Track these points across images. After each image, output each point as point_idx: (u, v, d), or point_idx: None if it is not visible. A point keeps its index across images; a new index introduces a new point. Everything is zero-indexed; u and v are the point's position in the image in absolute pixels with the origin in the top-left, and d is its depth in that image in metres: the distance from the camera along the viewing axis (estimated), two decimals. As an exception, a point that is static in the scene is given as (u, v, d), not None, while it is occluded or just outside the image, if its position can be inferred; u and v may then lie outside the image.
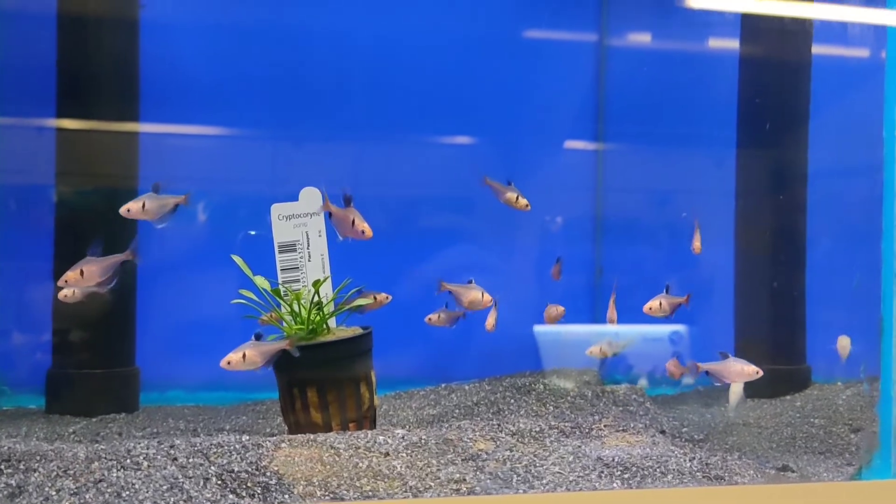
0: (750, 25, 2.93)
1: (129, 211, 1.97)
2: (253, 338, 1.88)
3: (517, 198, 2.26)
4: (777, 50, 2.92)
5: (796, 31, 2.91)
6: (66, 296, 2.00)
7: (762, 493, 1.57)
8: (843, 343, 2.51)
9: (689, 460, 1.81)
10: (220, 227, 2.83)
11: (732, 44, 3.06)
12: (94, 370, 2.47)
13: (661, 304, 2.26)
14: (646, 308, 2.27)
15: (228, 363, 1.83)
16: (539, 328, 2.79)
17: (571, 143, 3.33)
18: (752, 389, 2.76)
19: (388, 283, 2.50)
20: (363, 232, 2.04)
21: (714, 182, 3.18)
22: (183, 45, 2.85)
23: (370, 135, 3.03)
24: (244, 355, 1.83)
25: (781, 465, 1.97)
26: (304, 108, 2.98)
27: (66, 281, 1.92)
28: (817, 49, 2.96)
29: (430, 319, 2.38)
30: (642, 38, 3.40)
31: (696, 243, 2.42)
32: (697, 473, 1.76)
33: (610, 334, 2.70)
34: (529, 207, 2.27)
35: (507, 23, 3.17)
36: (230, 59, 2.91)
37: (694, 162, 3.25)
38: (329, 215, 2.10)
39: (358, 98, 3.03)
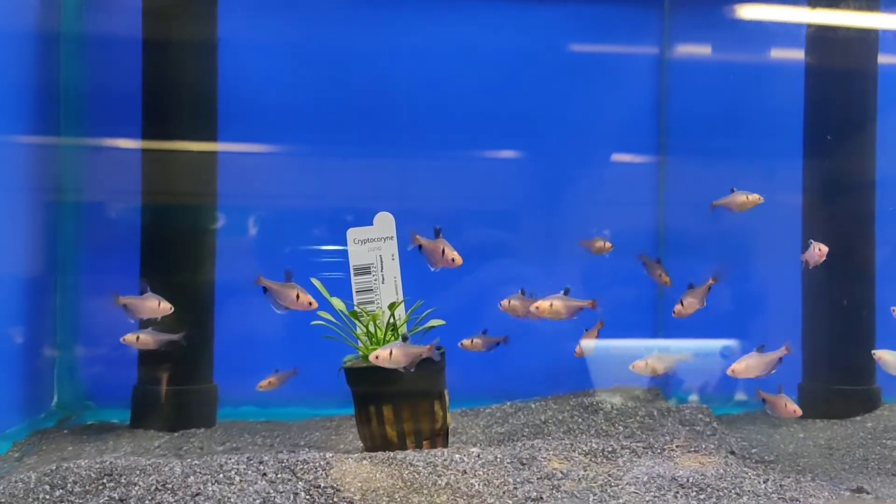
0: (814, 36, 2.92)
1: (125, 341, 2.24)
2: (401, 339, 2.01)
3: (661, 274, 2.27)
4: (843, 59, 2.90)
5: (861, 40, 2.90)
6: (125, 341, 2.24)
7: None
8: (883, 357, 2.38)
9: (763, 482, 1.82)
10: (296, 247, 2.94)
11: (797, 54, 3.04)
12: (176, 386, 2.57)
13: (551, 304, 2.18)
14: (533, 307, 2.20)
15: (377, 357, 1.96)
16: (588, 343, 2.74)
17: (633, 157, 3.34)
18: (821, 411, 2.74)
19: (448, 301, 2.57)
20: (453, 260, 2.11)
21: (781, 193, 3.15)
22: (255, 65, 2.98)
23: (432, 153, 3.11)
24: (391, 353, 1.95)
25: (856, 487, 1.96)
26: (366, 125, 3.06)
27: (125, 340, 2.21)
28: (883, 59, 2.94)
29: (463, 345, 2.42)
30: (704, 51, 3.40)
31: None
32: (773, 495, 1.77)
33: (660, 349, 2.69)
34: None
35: (569, 38, 3.21)
36: (295, 79, 3.02)
37: (758, 174, 3.22)
38: (420, 248, 2.17)
39: (419, 116, 3.10)
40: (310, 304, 2.05)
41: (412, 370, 1.97)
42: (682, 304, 2.28)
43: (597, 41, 3.23)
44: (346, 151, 3.06)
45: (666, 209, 3.28)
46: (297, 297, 2.05)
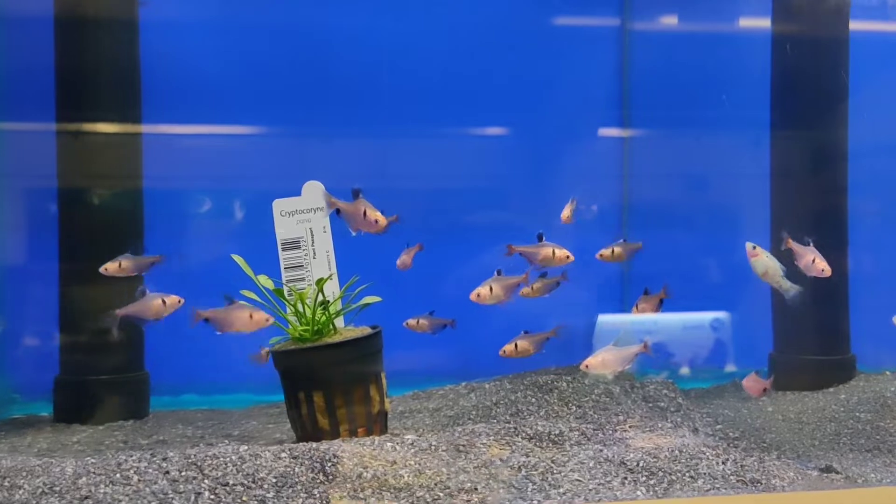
0: (782, 3, 2.78)
1: (106, 270, 2.10)
2: (522, 332, 1.98)
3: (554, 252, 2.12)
4: (812, 27, 2.76)
5: (832, 8, 2.75)
6: (106, 269, 2.12)
7: (802, 502, 1.43)
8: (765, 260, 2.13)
9: (723, 462, 1.67)
10: (227, 226, 2.76)
11: (763, 22, 2.91)
12: (102, 376, 2.40)
13: (491, 289, 2.08)
14: (473, 296, 2.09)
15: (504, 352, 1.98)
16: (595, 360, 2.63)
17: (597, 130, 3.22)
18: (793, 382, 2.61)
19: (415, 277, 2.42)
20: (376, 222, 1.94)
21: (747, 165, 3.04)
22: (185, 43, 2.79)
23: (394, 129, 2.95)
24: (516, 345, 1.93)
25: (825, 466, 1.82)
26: (329, 103, 2.90)
27: (105, 269, 2.08)
28: (855, 25, 2.81)
29: (408, 324, 2.29)
30: (668, 21, 3.28)
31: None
32: (731, 477, 1.62)
33: (644, 323, 2.56)
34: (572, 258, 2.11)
35: (529, 10, 3.08)
36: (234, 55, 2.84)
37: (725, 145, 3.12)
38: (337, 212, 2.00)
39: (380, 92, 2.95)
40: (376, 221, 1.90)
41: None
42: (637, 309, 2.14)
43: (557, 13, 3.11)
44: (298, 130, 2.90)
45: (631, 182, 3.16)
46: (365, 213, 1.90)
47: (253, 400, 2.70)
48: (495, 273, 2.09)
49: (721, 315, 2.75)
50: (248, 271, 1.98)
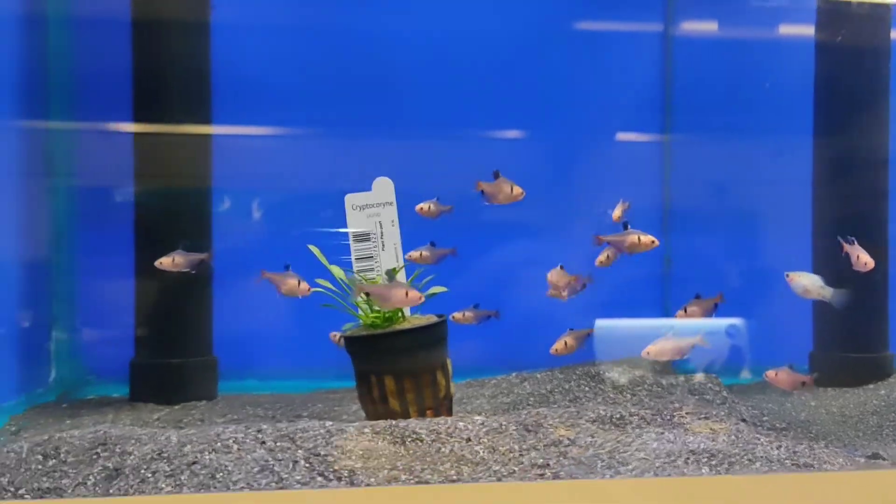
0: (825, 10, 2.86)
1: (161, 264, 2.27)
2: (568, 330, 2.07)
3: (639, 238, 2.23)
4: (854, 35, 2.84)
5: (874, 15, 2.83)
6: (161, 264, 2.29)
7: (857, 480, 1.52)
8: (803, 281, 2.21)
9: (776, 448, 1.77)
10: (293, 224, 2.88)
11: (806, 30, 2.99)
12: (175, 359, 2.54)
13: (420, 254, 2.24)
14: (408, 256, 2.22)
15: (556, 351, 2.05)
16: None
17: (638, 136, 3.29)
18: (833, 379, 2.69)
19: (450, 274, 2.53)
20: (513, 191, 2.13)
21: (789, 170, 3.11)
22: (251, 45, 2.91)
23: (432, 132, 3.05)
24: (566, 343, 2.01)
25: (871, 453, 1.91)
26: (367, 105, 3.00)
27: (160, 263, 2.23)
28: None
29: (454, 317, 2.39)
30: (710, 27, 3.34)
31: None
32: (786, 461, 1.72)
33: (660, 329, 2.65)
34: (657, 243, 2.22)
35: (573, 15, 3.15)
36: (293, 59, 2.96)
37: (767, 150, 3.18)
38: (482, 193, 2.17)
39: (419, 95, 3.05)
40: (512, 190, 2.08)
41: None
42: (685, 312, 2.24)
43: (600, 18, 3.18)
44: (346, 132, 3.01)
45: (671, 188, 3.23)
46: (512, 189, 2.08)
47: (311, 386, 2.82)
48: (558, 266, 2.20)
49: (737, 321, 2.82)
50: (323, 260, 2.11)
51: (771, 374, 2.25)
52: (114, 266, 2.74)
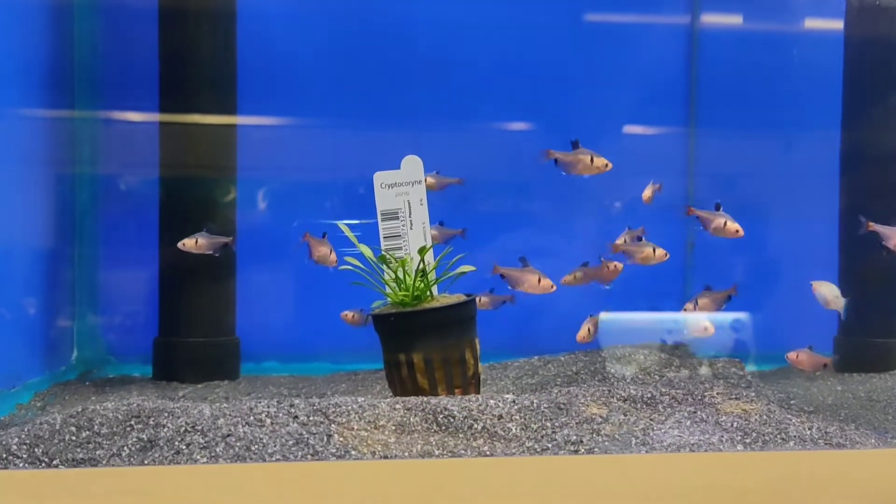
0: (855, 3, 2.84)
1: (184, 245, 2.31)
2: (589, 316, 2.09)
3: (725, 223, 2.25)
4: (885, 28, 2.82)
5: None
6: (184, 245, 2.34)
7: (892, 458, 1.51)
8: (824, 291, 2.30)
9: (808, 428, 1.76)
10: (314, 210, 2.88)
11: (831, 23, 2.97)
12: (199, 339, 2.54)
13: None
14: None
15: (581, 338, 2.13)
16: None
17: (662, 129, 3.27)
18: (858, 364, 2.68)
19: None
20: (737, 231, 2.20)
21: (815, 163, 3.10)
22: (277, 33, 2.91)
23: (455, 124, 3.04)
24: (589, 330, 2.07)
25: (904, 436, 1.90)
26: (391, 94, 2.99)
27: (184, 245, 2.27)
28: None
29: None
30: (737, 20, 3.32)
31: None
32: (819, 441, 1.71)
33: (664, 322, 2.65)
34: (742, 233, 2.24)
35: (597, 7, 3.15)
36: (318, 48, 2.95)
37: (792, 143, 3.17)
38: (556, 161, 2.19)
39: (445, 84, 3.04)
40: (551, 286, 2.16)
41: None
42: (696, 304, 2.24)
43: (626, 10, 3.17)
44: (366, 123, 3.00)
45: (696, 180, 3.22)
46: (539, 280, 2.15)
47: (331, 368, 2.82)
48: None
49: (742, 316, 2.81)
50: (352, 238, 2.10)
51: (792, 355, 2.27)
52: (137, 252, 2.76)
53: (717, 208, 2.18)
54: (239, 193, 2.73)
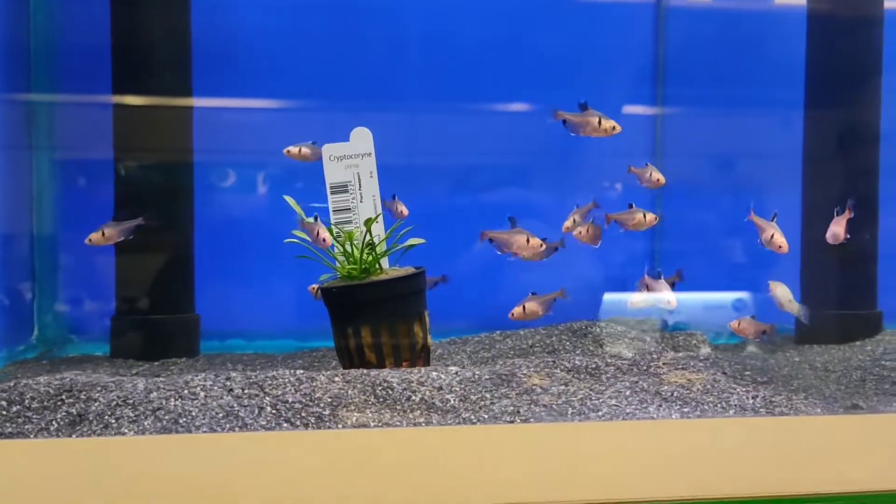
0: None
1: (90, 241, 2.24)
2: (530, 294, 2.11)
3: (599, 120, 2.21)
4: (847, 5, 2.79)
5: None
6: (91, 240, 2.26)
7: (830, 425, 1.50)
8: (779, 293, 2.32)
9: (752, 398, 1.75)
10: (276, 193, 2.86)
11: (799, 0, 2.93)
12: (156, 315, 2.53)
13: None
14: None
15: (513, 315, 2.12)
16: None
17: (631, 108, 3.24)
18: (820, 336, 2.67)
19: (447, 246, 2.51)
20: (613, 128, 2.16)
21: (779, 144, 3.07)
22: (234, 16, 2.87)
23: (424, 105, 3.01)
24: (524, 307, 2.03)
25: (851, 405, 1.90)
26: (358, 76, 2.96)
27: (90, 241, 2.23)
28: (890, 4, 2.84)
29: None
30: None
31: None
32: (761, 410, 1.70)
33: (662, 302, 2.64)
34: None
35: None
36: (282, 29, 2.91)
37: (757, 124, 3.14)
38: (563, 122, 2.17)
39: (412, 65, 3.00)
40: (540, 245, 2.12)
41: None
42: (644, 287, 2.24)
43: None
44: (333, 104, 2.96)
45: (664, 161, 3.19)
46: (527, 240, 2.12)
47: (296, 346, 2.81)
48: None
49: (743, 295, 2.80)
50: (299, 211, 2.08)
51: (734, 324, 2.30)
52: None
53: (630, 206, 2.20)
54: (196, 175, 2.71)
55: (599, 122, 2.07)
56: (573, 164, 3.13)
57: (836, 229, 2.27)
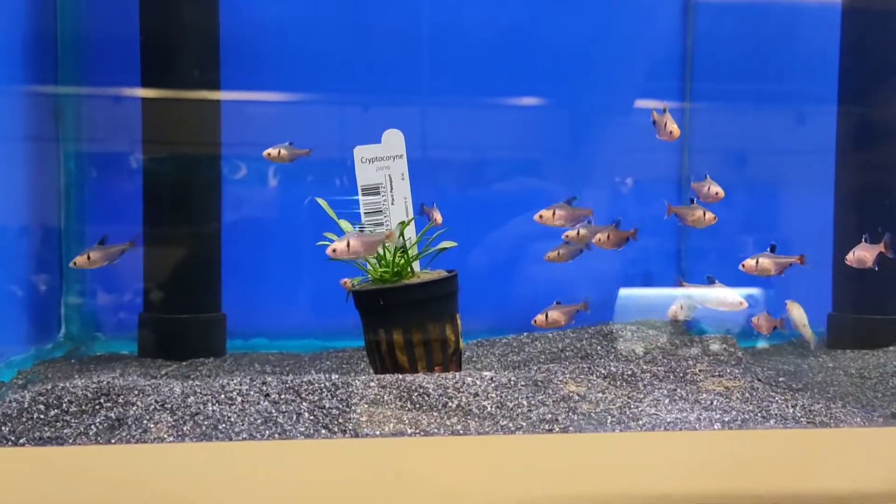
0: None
1: (75, 264, 2.23)
2: (555, 303, 2.09)
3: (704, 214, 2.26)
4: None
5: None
6: (76, 263, 2.25)
7: (875, 437, 1.48)
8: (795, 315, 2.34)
9: (792, 406, 1.73)
10: (301, 188, 2.85)
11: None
12: (183, 315, 2.52)
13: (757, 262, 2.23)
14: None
15: (535, 322, 2.10)
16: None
17: (658, 103, 3.21)
18: (852, 341, 2.64)
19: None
20: (671, 133, 2.19)
21: (812, 138, 3.04)
22: (259, 11, 2.86)
23: (441, 99, 2.99)
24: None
25: (891, 413, 1.87)
26: (375, 71, 2.94)
27: (75, 264, 2.22)
28: None
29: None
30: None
31: None
32: (801, 419, 1.68)
33: (682, 297, 2.62)
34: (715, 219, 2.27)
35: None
36: (303, 24, 2.89)
37: (789, 119, 3.10)
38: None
39: (429, 60, 2.98)
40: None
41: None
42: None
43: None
44: (362, 99, 2.94)
45: (691, 156, 3.16)
46: (666, 125, 2.17)
47: (319, 346, 2.80)
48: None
49: (755, 292, 2.77)
50: (332, 214, 2.07)
51: (754, 320, 2.30)
52: (124, 227, 2.73)
53: (692, 202, 2.19)
54: (223, 169, 2.70)
55: (665, 125, 2.13)
56: (599, 159, 3.10)
57: (864, 254, 2.24)
